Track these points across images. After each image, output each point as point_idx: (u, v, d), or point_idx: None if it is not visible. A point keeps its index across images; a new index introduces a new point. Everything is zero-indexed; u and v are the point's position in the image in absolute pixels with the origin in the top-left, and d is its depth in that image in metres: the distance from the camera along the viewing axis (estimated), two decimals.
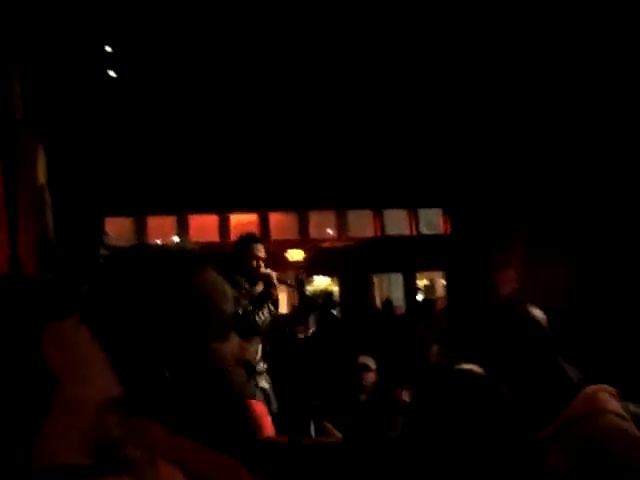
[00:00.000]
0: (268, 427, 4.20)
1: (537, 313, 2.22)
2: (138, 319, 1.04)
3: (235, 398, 1.12)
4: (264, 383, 4.72)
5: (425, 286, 18.50)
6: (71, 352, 0.85)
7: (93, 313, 1.07)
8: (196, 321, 1.07)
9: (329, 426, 5.59)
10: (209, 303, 1.09)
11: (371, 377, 6.03)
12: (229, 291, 1.16)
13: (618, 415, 1.93)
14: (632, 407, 2.79)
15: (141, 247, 1.47)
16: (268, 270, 4.76)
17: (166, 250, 1.19)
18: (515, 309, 2.28)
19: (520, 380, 2.10)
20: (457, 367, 1.60)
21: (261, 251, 4.76)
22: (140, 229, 15.43)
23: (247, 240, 4.87)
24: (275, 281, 4.76)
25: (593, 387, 2.02)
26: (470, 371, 1.55)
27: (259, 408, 4.17)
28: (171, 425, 1.01)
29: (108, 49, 8.00)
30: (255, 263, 4.70)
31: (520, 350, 2.15)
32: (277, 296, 4.81)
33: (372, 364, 6.08)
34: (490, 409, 1.46)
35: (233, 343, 1.14)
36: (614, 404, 1.96)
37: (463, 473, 1.42)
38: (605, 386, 2.03)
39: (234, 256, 4.73)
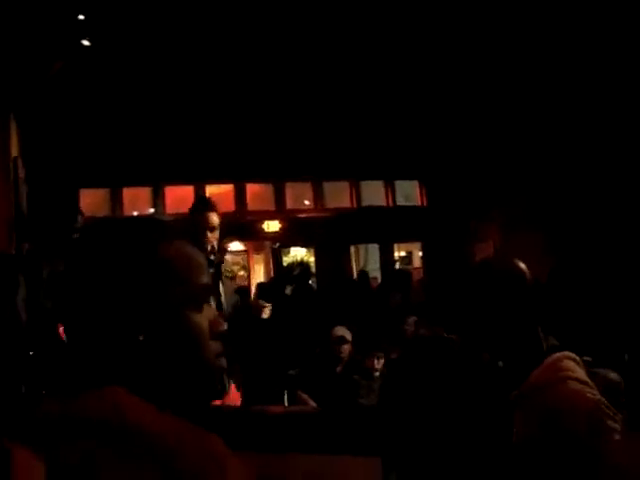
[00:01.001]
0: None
1: (522, 266, 2.16)
2: (108, 288, 1.05)
3: (207, 369, 1.12)
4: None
5: (402, 257, 18.56)
6: None
7: (69, 285, 1.09)
8: (164, 290, 1.07)
9: (304, 396, 5.65)
10: (176, 272, 1.09)
11: (347, 349, 6.09)
12: (200, 261, 1.15)
13: (581, 382, 1.93)
14: (610, 374, 2.82)
15: (111, 219, 1.48)
16: (213, 241, 4.32)
17: (135, 221, 1.20)
18: (500, 262, 2.25)
19: (497, 346, 2.10)
20: (435, 336, 1.63)
21: (212, 219, 4.35)
22: (115, 201, 15.28)
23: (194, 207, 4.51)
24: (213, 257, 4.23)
25: (557, 354, 2.01)
26: (448, 339, 1.58)
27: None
28: (142, 394, 1.02)
29: (81, 17, 7.87)
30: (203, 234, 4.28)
31: (502, 304, 2.08)
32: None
33: (348, 335, 6.13)
34: (467, 376, 1.47)
35: (206, 315, 1.13)
36: (578, 371, 1.96)
37: (439, 438, 1.45)
38: (569, 353, 2.01)
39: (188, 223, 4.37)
